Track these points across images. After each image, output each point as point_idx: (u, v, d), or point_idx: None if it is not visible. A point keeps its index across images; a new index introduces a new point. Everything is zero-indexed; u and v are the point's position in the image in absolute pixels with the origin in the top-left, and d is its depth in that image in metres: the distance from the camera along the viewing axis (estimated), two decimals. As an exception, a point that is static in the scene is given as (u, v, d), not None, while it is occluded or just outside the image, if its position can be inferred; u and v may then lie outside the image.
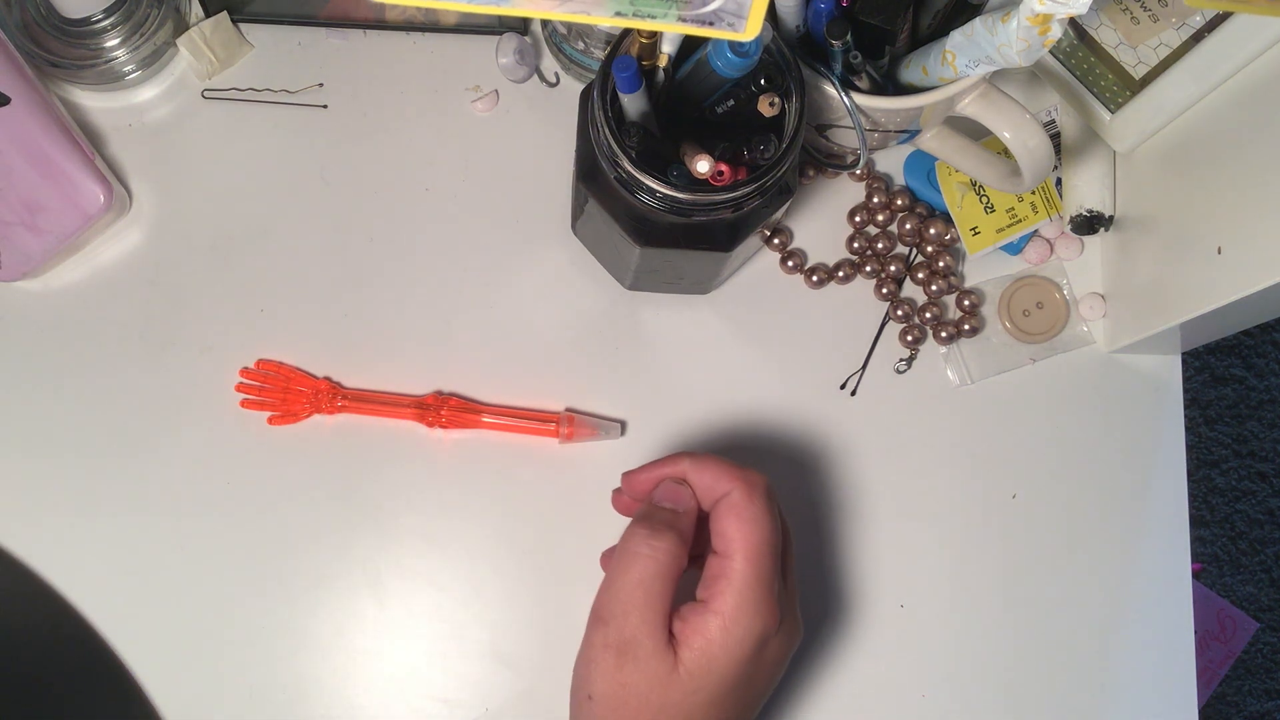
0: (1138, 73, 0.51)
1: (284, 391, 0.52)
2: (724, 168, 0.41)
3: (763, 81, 0.43)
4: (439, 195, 0.56)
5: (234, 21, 0.56)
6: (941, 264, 0.56)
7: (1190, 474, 0.55)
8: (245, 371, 0.53)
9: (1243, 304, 0.44)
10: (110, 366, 0.53)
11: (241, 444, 0.52)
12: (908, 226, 0.56)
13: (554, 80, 0.57)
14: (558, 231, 0.55)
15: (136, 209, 0.55)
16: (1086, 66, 0.52)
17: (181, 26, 0.55)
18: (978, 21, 0.40)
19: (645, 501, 0.43)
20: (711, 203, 0.42)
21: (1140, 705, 0.53)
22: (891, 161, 0.57)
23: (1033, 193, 0.55)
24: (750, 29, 0.31)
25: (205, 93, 0.56)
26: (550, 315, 0.55)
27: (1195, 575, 1.27)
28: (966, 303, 0.55)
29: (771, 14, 0.45)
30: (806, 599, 0.52)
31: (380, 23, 0.56)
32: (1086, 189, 0.55)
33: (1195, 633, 0.53)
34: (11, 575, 0.50)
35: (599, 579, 0.50)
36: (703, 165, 0.41)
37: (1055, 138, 0.55)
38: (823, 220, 0.57)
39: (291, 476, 0.52)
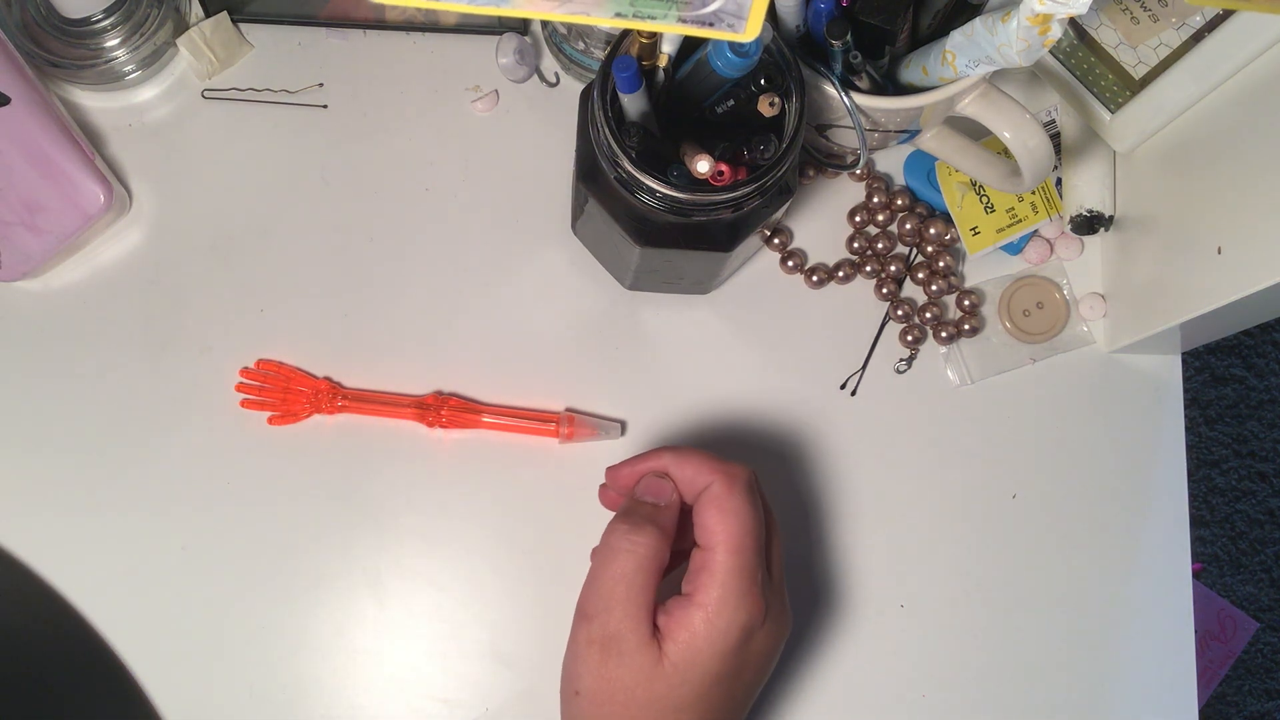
0: (1138, 73, 0.51)
1: (284, 391, 0.52)
2: (724, 168, 0.41)
3: (763, 81, 0.43)
4: (439, 195, 0.56)
5: (234, 21, 0.56)
6: (941, 264, 0.56)
7: (1190, 474, 0.55)
8: (245, 371, 0.53)
9: (1243, 304, 0.44)
10: (110, 366, 0.53)
11: (241, 444, 0.52)
12: (908, 226, 0.56)
13: (554, 80, 0.57)
14: (558, 231, 0.55)
15: (136, 209, 0.55)
16: (1086, 66, 0.52)
17: (181, 26, 0.55)
18: (978, 21, 0.40)
19: (627, 496, 0.43)
20: (711, 203, 0.42)
21: (1140, 705, 0.53)
22: (891, 161, 0.57)
23: (1033, 193, 0.55)
24: (750, 29, 0.31)
25: (205, 93, 0.56)
26: (550, 315, 0.55)
27: (1195, 575, 1.27)
28: (966, 303, 0.55)
29: (771, 14, 0.45)
30: (807, 599, 0.53)
31: (380, 23, 0.56)
32: (1086, 189, 0.55)
33: (1195, 633, 0.53)
34: (11, 575, 0.50)
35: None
36: (703, 165, 0.41)
37: (1055, 138, 0.55)
38: (823, 220, 0.57)
39: (291, 476, 0.52)
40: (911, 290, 0.56)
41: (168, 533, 0.51)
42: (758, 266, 0.56)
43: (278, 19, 0.56)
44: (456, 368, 0.54)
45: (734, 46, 0.39)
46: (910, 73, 0.47)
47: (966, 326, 0.55)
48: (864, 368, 0.55)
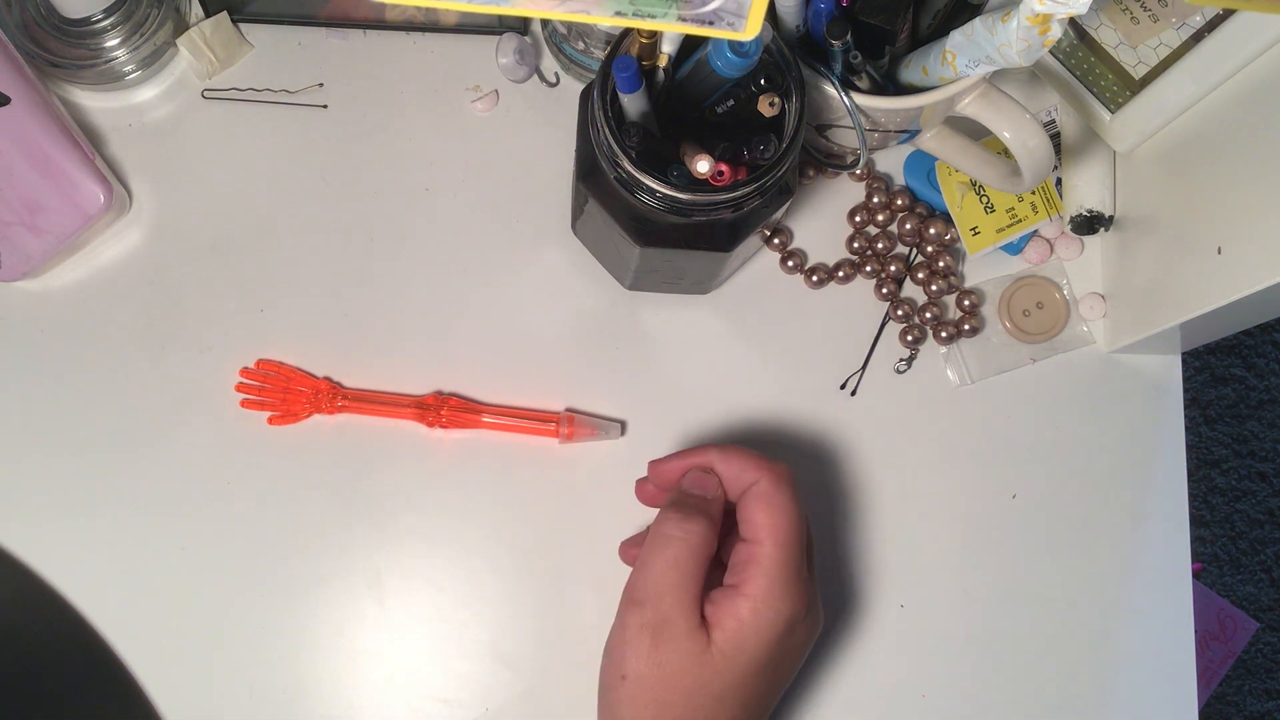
0: (1138, 73, 0.51)
1: (284, 391, 0.52)
2: (724, 168, 0.41)
3: (763, 81, 0.43)
4: (439, 195, 0.56)
5: (234, 21, 0.56)
6: (941, 264, 0.56)
7: (1190, 474, 0.55)
8: (245, 371, 0.53)
9: (1243, 304, 0.44)
10: (110, 366, 0.53)
11: (241, 444, 0.52)
12: (908, 226, 0.56)
13: (554, 80, 0.57)
14: (558, 231, 0.55)
15: (136, 209, 0.55)
16: (1086, 66, 0.52)
17: (181, 26, 0.55)
18: (978, 21, 0.40)
19: (674, 489, 0.45)
20: (711, 203, 0.42)
21: (1140, 705, 0.53)
22: (891, 161, 0.57)
23: (1033, 193, 0.55)
24: (750, 29, 0.31)
25: (205, 93, 0.56)
26: (550, 315, 0.55)
27: (1195, 575, 1.27)
28: (966, 303, 0.55)
29: (771, 14, 0.45)
30: (806, 599, 0.53)
31: (380, 23, 0.56)
32: (1086, 189, 0.55)
33: (1195, 633, 0.53)
34: (11, 575, 0.50)
35: (599, 578, 0.50)
36: (703, 165, 0.41)
37: (1055, 138, 0.55)
38: (823, 220, 0.57)
39: (291, 477, 0.52)
40: (911, 290, 0.56)
41: (168, 533, 0.51)
42: (758, 266, 0.56)
43: (278, 19, 0.56)
44: (456, 367, 0.54)
45: (734, 46, 0.39)
46: (910, 73, 0.47)
47: (966, 326, 0.55)
48: (864, 368, 0.55)
